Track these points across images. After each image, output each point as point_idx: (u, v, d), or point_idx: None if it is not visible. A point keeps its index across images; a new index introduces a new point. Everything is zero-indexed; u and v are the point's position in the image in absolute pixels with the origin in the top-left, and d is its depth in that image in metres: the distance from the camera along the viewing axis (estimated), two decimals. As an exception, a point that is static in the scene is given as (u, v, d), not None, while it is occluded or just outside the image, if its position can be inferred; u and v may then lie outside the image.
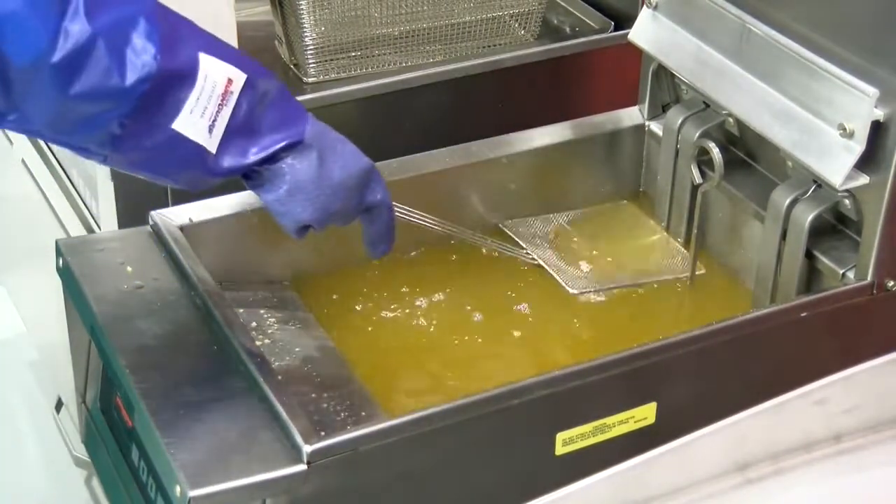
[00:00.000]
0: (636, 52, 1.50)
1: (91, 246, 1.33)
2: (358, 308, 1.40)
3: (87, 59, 1.01)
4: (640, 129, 1.55)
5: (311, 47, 1.55)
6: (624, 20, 1.64)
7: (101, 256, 1.31)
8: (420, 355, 1.35)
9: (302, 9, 1.52)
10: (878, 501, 1.03)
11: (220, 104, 1.08)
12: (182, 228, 1.33)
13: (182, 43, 1.07)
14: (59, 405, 1.75)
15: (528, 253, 1.47)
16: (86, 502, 1.69)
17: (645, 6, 1.46)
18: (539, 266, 1.46)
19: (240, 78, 1.10)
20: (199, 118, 1.08)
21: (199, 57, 1.08)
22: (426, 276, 1.44)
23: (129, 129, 1.06)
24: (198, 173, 1.12)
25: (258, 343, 1.25)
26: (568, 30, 1.71)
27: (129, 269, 1.29)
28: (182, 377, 1.17)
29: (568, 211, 1.55)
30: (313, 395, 1.23)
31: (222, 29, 1.46)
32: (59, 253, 1.31)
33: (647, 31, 1.47)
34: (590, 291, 1.42)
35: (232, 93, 1.09)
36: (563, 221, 1.53)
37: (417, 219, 1.40)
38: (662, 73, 1.50)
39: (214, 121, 1.09)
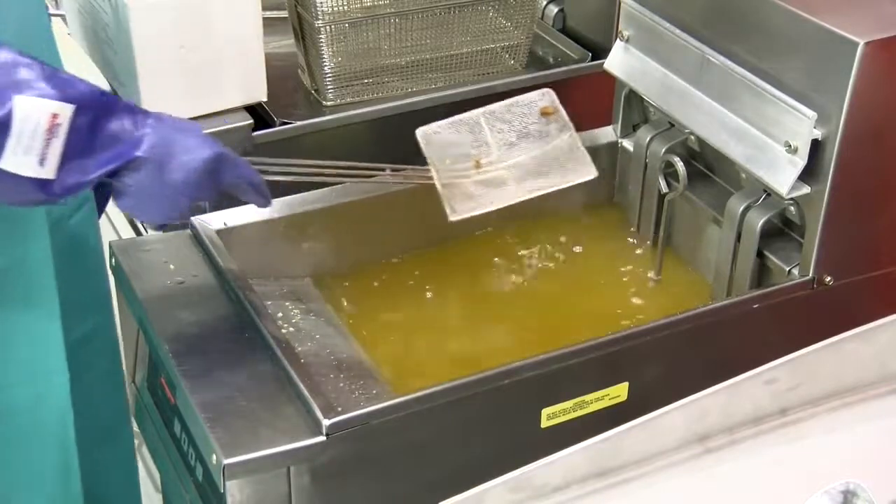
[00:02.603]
0: (610, 79, 1.50)
1: (139, 247, 1.33)
2: (371, 300, 1.39)
3: None
4: (613, 146, 1.54)
5: (330, 75, 1.55)
6: (600, 51, 1.64)
7: (147, 256, 1.31)
8: (425, 340, 1.35)
9: (322, 42, 1.52)
10: (817, 466, 1.03)
11: (47, 139, 1.00)
12: (218, 232, 1.33)
13: None
14: (113, 384, 1.74)
15: (426, 170, 1.31)
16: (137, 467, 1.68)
17: (618, 40, 1.46)
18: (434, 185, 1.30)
19: (65, 110, 1.01)
20: (24, 156, 0.99)
21: (14, 101, 0.98)
22: (431, 271, 1.44)
23: None
24: (42, 197, 1.03)
25: (283, 331, 1.25)
26: (551, 60, 1.70)
27: (171, 267, 1.29)
28: (217, 360, 1.17)
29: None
30: (331, 376, 1.23)
31: (252, 60, 1.46)
32: (112, 253, 1.31)
33: (619, 61, 1.46)
34: (470, 213, 1.29)
35: (60, 125, 1.00)
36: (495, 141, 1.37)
37: (297, 171, 1.24)
38: (633, 97, 1.50)
39: (44, 155, 1.00)
